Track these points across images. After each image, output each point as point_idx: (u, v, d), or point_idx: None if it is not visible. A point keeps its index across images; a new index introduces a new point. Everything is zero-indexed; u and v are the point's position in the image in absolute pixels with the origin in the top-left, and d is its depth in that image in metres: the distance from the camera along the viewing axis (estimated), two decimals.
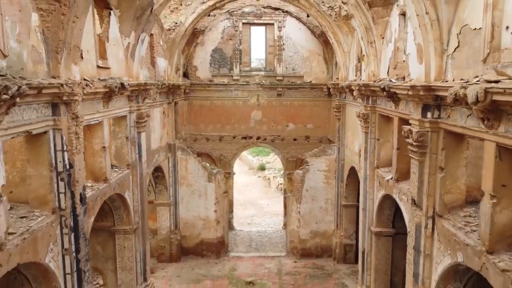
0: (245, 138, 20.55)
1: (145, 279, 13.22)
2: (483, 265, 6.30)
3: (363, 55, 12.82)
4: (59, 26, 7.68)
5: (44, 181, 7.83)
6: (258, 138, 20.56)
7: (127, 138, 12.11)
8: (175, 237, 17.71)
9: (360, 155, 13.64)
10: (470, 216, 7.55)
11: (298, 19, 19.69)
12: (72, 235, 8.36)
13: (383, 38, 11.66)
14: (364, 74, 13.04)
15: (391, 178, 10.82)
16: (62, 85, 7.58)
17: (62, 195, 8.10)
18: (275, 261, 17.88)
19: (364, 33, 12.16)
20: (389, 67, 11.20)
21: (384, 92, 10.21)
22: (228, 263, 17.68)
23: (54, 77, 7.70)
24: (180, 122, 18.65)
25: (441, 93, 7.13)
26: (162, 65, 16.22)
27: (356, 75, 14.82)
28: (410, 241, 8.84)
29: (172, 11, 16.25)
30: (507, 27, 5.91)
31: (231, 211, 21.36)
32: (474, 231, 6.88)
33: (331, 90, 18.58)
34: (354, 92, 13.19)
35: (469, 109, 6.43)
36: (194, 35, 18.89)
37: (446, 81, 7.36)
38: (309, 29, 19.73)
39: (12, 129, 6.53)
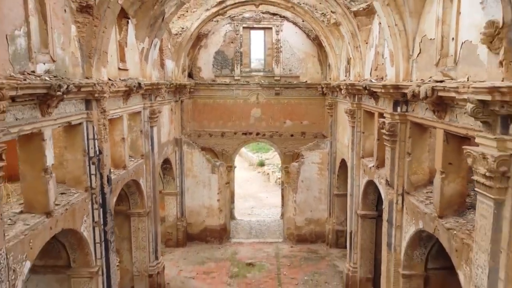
0: (245, 134, 22.06)
1: (156, 258, 14.81)
2: (435, 227, 7.91)
3: (350, 58, 14.41)
4: (92, 36, 9.29)
5: (79, 164, 9.43)
6: (257, 134, 22.08)
7: (141, 131, 13.71)
8: (182, 224, 19.32)
9: (348, 147, 15.24)
10: (431, 192, 9.14)
11: (295, 23, 21.23)
12: (101, 210, 9.96)
13: (367, 43, 13.25)
14: (352, 75, 14.63)
15: (373, 166, 12.43)
16: (94, 84, 9.18)
17: (93, 176, 9.71)
18: (273, 246, 19.48)
19: (350, 38, 13.76)
20: (371, 69, 12.80)
21: (366, 91, 11.83)
22: (230, 248, 19.29)
23: (87, 78, 9.31)
24: (185, 119, 20.24)
25: (405, 91, 8.71)
26: (170, 66, 17.80)
27: (346, 76, 16.40)
28: (385, 215, 10.46)
29: (179, 17, 17.81)
30: (453, 38, 7.50)
31: (232, 201, 22.97)
32: (432, 203, 8.48)
33: (324, 89, 20.16)
34: (342, 91, 14.78)
35: (426, 104, 8.02)
36: (199, 38, 20.44)
37: (411, 81, 8.96)
38: (305, 32, 21.27)
39: (59, 119, 8.15)
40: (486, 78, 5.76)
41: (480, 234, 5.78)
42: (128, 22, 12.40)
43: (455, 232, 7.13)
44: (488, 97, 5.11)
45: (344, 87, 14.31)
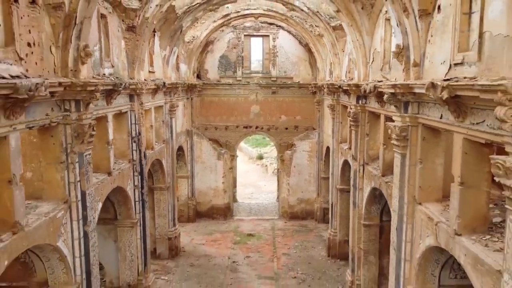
0: (246, 127, 25.32)
1: (174, 225, 18.19)
2: (380, 183, 11.31)
3: (332, 62, 17.80)
4: (135, 47, 12.69)
5: (124, 142, 12.81)
6: (256, 127, 25.35)
7: (163, 121, 17.09)
8: (192, 203, 22.70)
9: (330, 135, 18.62)
10: None
11: (289, 32, 24.56)
12: (139, 177, 13.35)
13: (343, 51, 16.63)
14: (333, 76, 18.01)
15: (347, 148, 15.82)
16: (136, 83, 12.57)
17: (134, 152, 13.09)
18: (269, 222, 22.86)
19: (331, 47, 17.17)
20: (346, 72, 16.19)
21: (340, 89, 15.23)
22: (233, 223, 22.67)
23: (131, 79, 12.70)
24: (194, 114, 23.61)
25: (362, 88, 12.10)
26: (183, 69, 21.17)
27: (330, 77, 19.75)
28: (351, 181, 13.86)
29: (191, 27, 21.15)
30: (391, 52, 10.88)
31: (234, 186, 26.33)
32: (379, 168, 11.86)
33: (314, 88, 23.50)
34: (325, 89, 18.17)
35: (373, 97, 11.39)
36: (206, 45, 23.80)
37: (367, 81, 12.35)
38: (297, 40, 24.61)
39: (116, 108, 11.54)
40: (399, 79, 9.14)
41: (395, 177, 9.17)
42: (154, 35, 15.78)
43: (389, 183, 10.52)
44: (393, 90, 8.49)
45: (326, 86, 17.72)
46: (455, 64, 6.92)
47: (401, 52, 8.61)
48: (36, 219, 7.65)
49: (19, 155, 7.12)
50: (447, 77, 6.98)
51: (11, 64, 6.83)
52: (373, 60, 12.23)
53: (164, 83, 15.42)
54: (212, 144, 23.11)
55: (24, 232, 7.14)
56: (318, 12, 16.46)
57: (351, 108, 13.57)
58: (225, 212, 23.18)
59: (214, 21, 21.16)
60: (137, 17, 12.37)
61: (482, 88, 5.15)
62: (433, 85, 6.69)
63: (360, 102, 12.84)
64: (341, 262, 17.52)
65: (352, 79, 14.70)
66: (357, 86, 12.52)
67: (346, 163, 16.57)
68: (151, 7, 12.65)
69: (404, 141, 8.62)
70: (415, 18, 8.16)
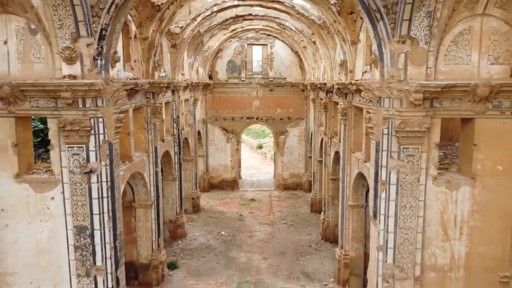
0: (248, 118, 31.31)
1: (196, 188, 24.36)
2: (339, 147, 17.44)
3: (313, 67, 23.95)
4: (176, 58, 18.84)
5: (169, 122, 18.92)
6: (257, 118, 31.36)
7: (189, 111, 23.22)
8: (206, 177, 28.84)
9: (313, 122, 24.77)
10: None
11: (283, 41, 30.63)
12: (178, 147, 19.48)
13: (321, 59, 22.74)
14: (315, 78, 24.15)
15: (323, 129, 21.93)
16: (177, 82, 18.70)
17: (175, 129, 19.22)
18: (267, 192, 29.01)
19: (312, 56, 23.31)
20: (322, 74, 22.31)
21: (318, 87, 21.39)
22: (239, 192, 28.82)
23: (173, 79, 18.83)
24: (208, 107, 29.73)
25: (327, 86, 18.21)
26: (200, 71, 27.30)
27: (312, 78, 25.89)
28: (323, 150, 19.99)
29: (208, 41, 27.20)
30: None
31: (239, 165, 32.46)
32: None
33: (302, 87, 29.66)
34: (308, 87, 24.32)
35: (334, 92, 17.48)
36: (217, 52, 29.93)
37: (330, 81, 18.46)
38: (290, 48, 30.70)
39: (166, 98, 17.66)
40: (343, 80, 15.25)
41: (341, 138, 15.30)
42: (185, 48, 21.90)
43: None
44: (338, 87, 14.61)
45: (310, 85, 23.87)
46: (364, 72, 13.07)
47: (343, 64, 14.77)
48: (136, 157, 13.79)
49: (131, 120, 13.28)
50: (362, 79, 13.12)
51: (129, 72, 13.00)
52: (335, 67, 18.36)
53: (191, 82, 21.57)
54: (222, 131, 29.24)
55: (134, 162, 13.30)
56: (302, 30, 22.58)
57: (323, 100, 19.69)
58: (232, 185, 29.33)
59: (224, 34, 27.28)
60: (178, 38, 18.51)
61: (359, 84, 11.29)
62: (350, 83, 12.84)
63: (328, 95, 18.97)
64: (320, 215, 23.61)
65: (325, 79, 20.83)
66: (325, 84, 18.67)
67: (322, 141, 22.67)
68: (187, 31, 18.82)
69: (345, 116, 14.76)
70: (349, 45, 14.30)
